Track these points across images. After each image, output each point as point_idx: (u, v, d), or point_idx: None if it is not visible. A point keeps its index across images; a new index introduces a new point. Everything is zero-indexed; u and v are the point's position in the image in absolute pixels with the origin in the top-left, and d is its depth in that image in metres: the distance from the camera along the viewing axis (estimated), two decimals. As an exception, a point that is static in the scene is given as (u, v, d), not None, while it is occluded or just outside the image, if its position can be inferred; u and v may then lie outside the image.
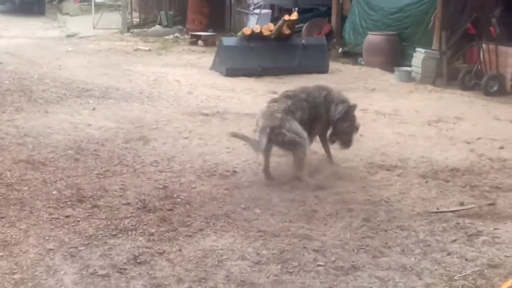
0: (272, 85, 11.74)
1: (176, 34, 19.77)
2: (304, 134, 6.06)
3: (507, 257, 4.58)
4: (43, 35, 19.43)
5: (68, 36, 19.44)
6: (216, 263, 4.37)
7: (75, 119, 8.28)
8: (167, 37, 19.39)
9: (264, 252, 4.57)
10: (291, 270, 4.29)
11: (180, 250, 4.56)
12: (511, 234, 5.00)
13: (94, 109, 9.00)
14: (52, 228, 4.83)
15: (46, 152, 6.75)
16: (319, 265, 4.37)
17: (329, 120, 6.45)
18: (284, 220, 5.20)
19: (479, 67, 11.99)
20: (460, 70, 12.41)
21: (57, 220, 5.00)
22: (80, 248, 4.51)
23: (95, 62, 13.69)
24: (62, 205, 5.32)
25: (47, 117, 8.34)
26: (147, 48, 16.53)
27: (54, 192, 5.62)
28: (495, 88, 11.59)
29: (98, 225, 4.94)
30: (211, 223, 5.08)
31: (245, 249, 4.61)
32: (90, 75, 11.84)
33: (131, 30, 20.26)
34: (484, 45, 11.89)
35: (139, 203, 5.44)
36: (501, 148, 7.66)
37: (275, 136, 5.95)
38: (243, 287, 4.05)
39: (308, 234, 4.91)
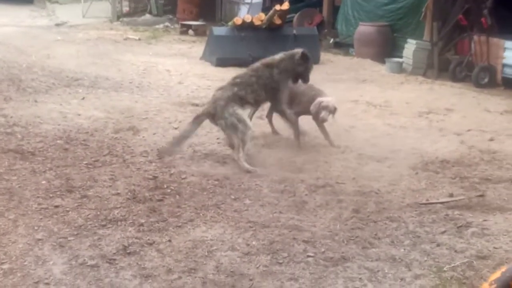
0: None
1: (166, 24, 19.67)
2: (246, 121, 6.45)
3: (496, 248, 4.60)
4: (31, 24, 19.25)
5: (57, 24, 19.25)
6: (206, 253, 4.37)
7: (64, 109, 8.22)
8: (157, 26, 19.29)
9: (254, 243, 4.57)
10: (281, 261, 4.30)
11: (170, 240, 4.55)
12: (500, 225, 5.02)
13: (83, 98, 8.94)
14: (41, 218, 4.81)
15: (35, 142, 6.70)
16: (309, 256, 4.38)
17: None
18: (274, 211, 5.20)
19: (470, 59, 12.01)
20: (451, 61, 12.43)
21: (46, 210, 4.97)
22: (69, 238, 4.49)
23: (84, 51, 13.60)
24: (51, 195, 5.29)
25: (36, 106, 8.28)
26: (137, 37, 16.43)
27: (43, 182, 5.59)
28: (486, 79, 11.61)
29: (88, 215, 4.91)
30: (201, 214, 5.07)
31: (235, 239, 4.61)
32: (79, 64, 11.75)
33: (120, 19, 20.12)
34: (475, 37, 11.91)
35: (129, 193, 5.42)
36: (491, 140, 7.68)
37: (217, 122, 6.53)
38: (233, 278, 4.04)
39: (298, 225, 4.91)
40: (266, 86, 6.60)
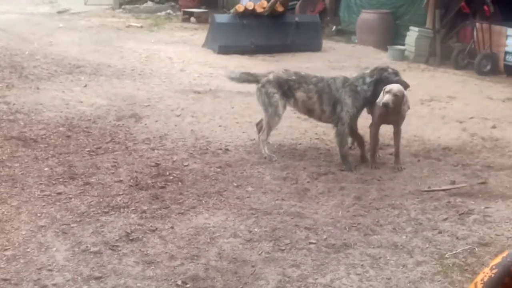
0: (264, 63, 11.70)
1: (168, 11, 19.63)
2: (277, 106, 6.33)
3: (498, 235, 4.61)
4: (33, 11, 19.23)
5: (59, 12, 19.23)
6: (208, 240, 4.38)
7: (66, 96, 8.23)
8: (159, 13, 19.26)
9: (256, 229, 4.58)
10: (283, 248, 4.31)
11: (172, 227, 4.57)
12: (502, 212, 5.03)
13: (85, 86, 8.94)
14: (44, 205, 4.82)
15: (37, 129, 6.71)
16: (310, 243, 4.39)
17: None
18: (276, 198, 5.21)
19: (473, 46, 11.98)
20: (454, 49, 12.41)
21: (49, 197, 4.99)
22: (72, 225, 4.51)
23: (86, 39, 13.59)
24: (53, 182, 5.31)
25: (39, 93, 8.28)
26: (139, 25, 16.40)
27: (45, 169, 5.60)
28: (488, 67, 11.60)
29: (90, 202, 4.93)
30: (203, 201, 5.08)
31: (237, 226, 4.62)
32: (81, 51, 11.75)
33: (122, 7, 20.08)
34: (477, 24, 11.87)
35: (131, 180, 5.43)
36: (493, 127, 7.68)
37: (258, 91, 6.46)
38: (235, 264, 4.06)
39: (300, 212, 4.92)
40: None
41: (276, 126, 6.56)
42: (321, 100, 6.25)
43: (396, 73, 6.28)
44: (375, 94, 6.06)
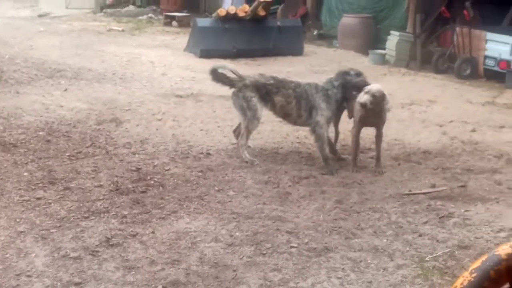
0: (247, 67, 11.70)
1: (150, 15, 19.55)
2: (256, 110, 6.34)
3: (477, 238, 4.65)
4: (14, 15, 19.07)
5: (40, 15, 19.09)
6: (190, 245, 4.37)
7: (46, 100, 8.17)
8: (140, 17, 19.18)
9: (237, 234, 4.57)
10: (264, 252, 4.31)
11: (153, 232, 4.54)
12: (481, 215, 5.07)
13: (66, 90, 8.88)
14: (23, 210, 4.78)
15: (17, 134, 6.65)
16: (292, 247, 4.39)
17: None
18: (257, 202, 5.21)
19: (453, 51, 12.08)
20: (434, 53, 12.50)
21: (28, 202, 4.94)
22: (51, 231, 4.47)
23: (67, 43, 13.49)
24: (33, 187, 5.26)
25: (18, 97, 8.21)
26: (120, 29, 16.32)
27: (25, 174, 5.55)
28: (468, 71, 11.70)
29: (70, 207, 4.89)
30: (184, 205, 5.07)
31: (219, 231, 4.61)
32: (62, 55, 11.67)
33: (104, 10, 19.98)
34: (457, 29, 11.97)
35: (112, 185, 5.40)
36: (473, 131, 7.74)
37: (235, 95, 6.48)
38: (217, 269, 4.05)
39: (281, 216, 4.93)
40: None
41: (255, 130, 6.57)
42: (299, 105, 6.34)
43: (358, 74, 6.43)
44: (344, 97, 6.27)
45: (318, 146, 6.30)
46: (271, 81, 6.43)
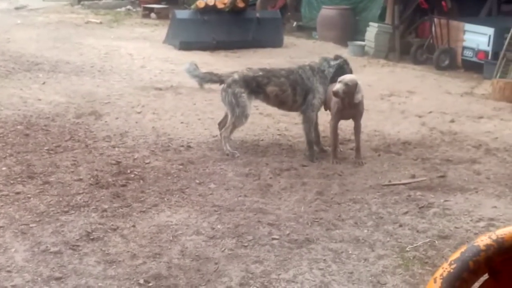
0: (227, 59, 11.68)
1: (128, 7, 19.38)
2: (245, 107, 6.28)
3: (457, 228, 4.70)
4: (-10, 7, 18.80)
5: (17, 8, 18.81)
6: (171, 238, 4.36)
7: (24, 94, 8.07)
8: (119, 9, 19.00)
9: (219, 226, 4.57)
10: (246, 244, 4.31)
11: (134, 226, 4.52)
12: (461, 205, 5.12)
13: (44, 83, 8.79)
14: (2, 205, 4.72)
15: (-6, 128, 6.57)
16: (273, 239, 4.40)
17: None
18: (239, 195, 5.21)
19: (431, 42, 12.17)
20: (413, 44, 12.58)
21: (7, 197, 4.89)
22: (31, 225, 4.43)
23: (44, 35, 13.32)
24: (12, 181, 5.20)
25: (-5, 91, 8.11)
26: (98, 21, 16.16)
27: (3, 168, 5.49)
28: (447, 62, 11.80)
29: (50, 201, 4.85)
30: (165, 199, 5.05)
31: (200, 224, 4.61)
32: (39, 48, 11.52)
33: (81, 2, 19.75)
34: (436, 20, 12.05)
35: (92, 179, 5.36)
36: (452, 121, 7.81)
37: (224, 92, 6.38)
38: (198, 262, 4.04)
39: (262, 208, 4.93)
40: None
41: (242, 127, 6.57)
42: (294, 92, 6.36)
43: (347, 64, 6.65)
44: (333, 78, 6.31)
45: (305, 127, 6.33)
46: (260, 73, 6.41)
